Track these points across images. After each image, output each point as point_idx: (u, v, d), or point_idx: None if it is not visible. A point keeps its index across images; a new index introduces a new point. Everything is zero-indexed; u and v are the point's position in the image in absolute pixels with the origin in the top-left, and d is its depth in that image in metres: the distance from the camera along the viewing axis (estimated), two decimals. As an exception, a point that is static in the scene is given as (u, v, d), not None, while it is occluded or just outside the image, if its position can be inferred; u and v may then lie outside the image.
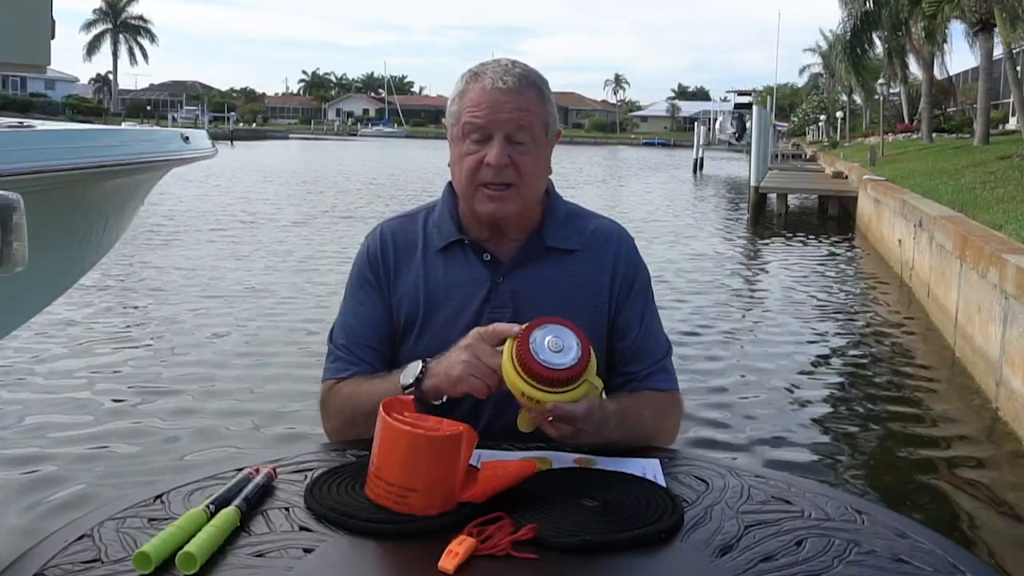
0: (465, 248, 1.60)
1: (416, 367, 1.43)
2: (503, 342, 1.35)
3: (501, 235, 1.59)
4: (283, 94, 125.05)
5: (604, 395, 1.62)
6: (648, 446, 1.50)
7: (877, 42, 31.10)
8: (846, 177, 21.82)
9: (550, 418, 1.32)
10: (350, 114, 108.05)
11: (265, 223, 14.57)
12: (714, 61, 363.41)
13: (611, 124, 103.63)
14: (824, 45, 62.95)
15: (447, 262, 1.60)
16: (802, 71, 74.33)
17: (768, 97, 53.56)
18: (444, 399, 1.43)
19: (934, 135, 29.42)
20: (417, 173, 30.40)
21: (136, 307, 7.84)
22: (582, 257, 1.61)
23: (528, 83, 1.52)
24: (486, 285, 1.57)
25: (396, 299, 1.61)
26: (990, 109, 22.72)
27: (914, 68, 34.42)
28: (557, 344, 1.30)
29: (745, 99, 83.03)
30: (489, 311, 1.56)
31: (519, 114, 1.50)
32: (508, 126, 1.50)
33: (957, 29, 27.74)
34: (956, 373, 6.55)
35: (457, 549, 1.05)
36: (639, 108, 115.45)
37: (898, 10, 25.22)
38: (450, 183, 1.63)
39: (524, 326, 1.33)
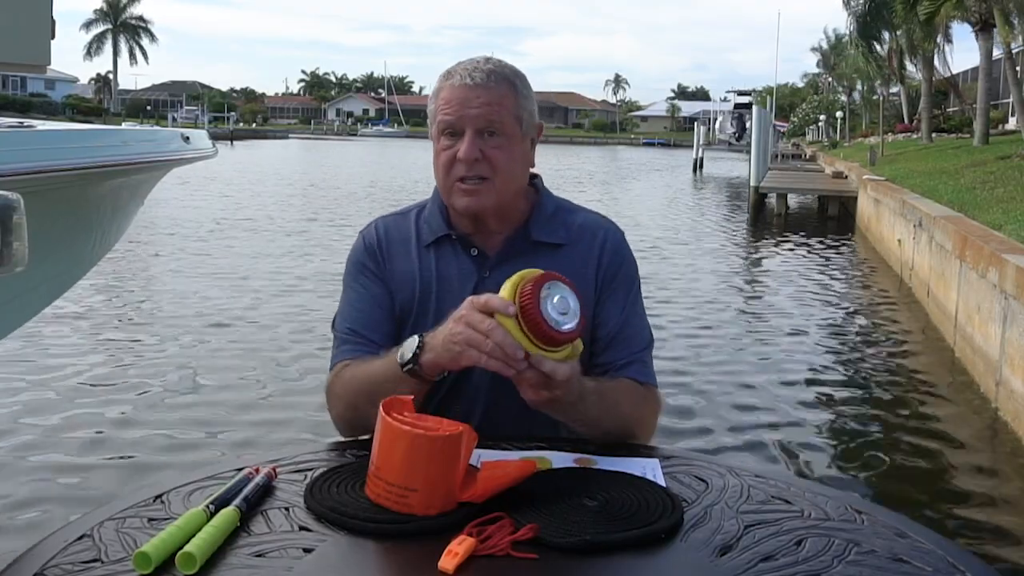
0: (453, 243, 1.62)
1: (413, 343, 1.40)
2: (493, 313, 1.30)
3: (486, 229, 1.60)
4: (283, 94, 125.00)
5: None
6: (648, 446, 1.50)
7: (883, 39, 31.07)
8: (846, 177, 21.83)
9: (528, 371, 1.28)
10: (350, 114, 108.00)
11: (264, 227, 14.56)
12: (714, 61, 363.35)
13: (611, 124, 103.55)
14: (825, 45, 63.00)
15: (437, 256, 1.62)
16: (817, 65, 73.88)
17: (768, 97, 53.44)
18: (446, 374, 1.41)
19: (934, 135, 29.39)
20: (418, 174, 30.38)
21: (133, 305, 7.85)
22: (569, 251, 1.61)
23: (498, 78, 1.53)
24: (473, 279, 1.59)
25: (394, 286, 1.62)
26: (990, 109, 22.69)
27: (914, 68, 34.33)
28: (564, 305, 1.29)
29: (745, 99, 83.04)
30: None
31: (488, 108, 1.51)
32: (478, 121, 1.51)
33: (961, 29, 27.73)
34: (956, 373, 6.55)
35: (457, 549, 1.05)
36: (639, 108, 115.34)
37: (892, 13, 25.20)
38: None
39: (534, 275, 1.30)
